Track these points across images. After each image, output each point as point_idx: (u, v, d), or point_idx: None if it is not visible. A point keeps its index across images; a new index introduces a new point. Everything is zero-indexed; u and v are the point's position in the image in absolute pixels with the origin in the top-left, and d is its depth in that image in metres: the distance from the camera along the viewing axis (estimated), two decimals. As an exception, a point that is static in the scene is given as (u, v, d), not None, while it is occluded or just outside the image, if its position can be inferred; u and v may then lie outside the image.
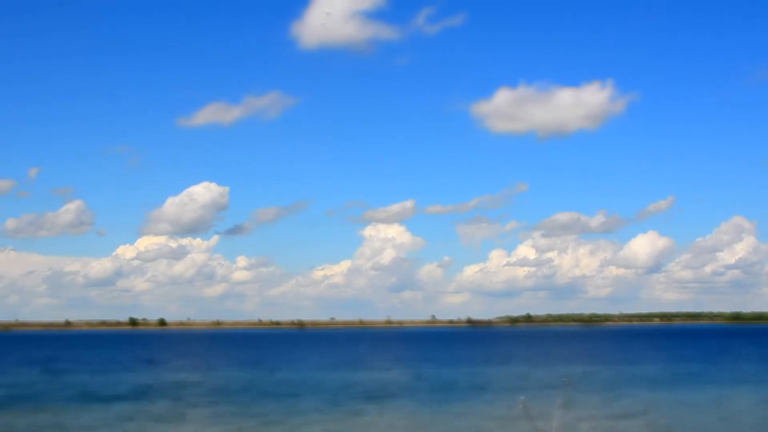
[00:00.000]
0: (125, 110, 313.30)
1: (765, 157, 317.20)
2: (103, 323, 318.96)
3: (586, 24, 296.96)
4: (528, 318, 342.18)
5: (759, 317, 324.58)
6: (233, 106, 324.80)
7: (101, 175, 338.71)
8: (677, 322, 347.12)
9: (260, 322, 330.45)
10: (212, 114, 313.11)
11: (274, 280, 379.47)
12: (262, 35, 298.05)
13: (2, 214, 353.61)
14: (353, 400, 47.49)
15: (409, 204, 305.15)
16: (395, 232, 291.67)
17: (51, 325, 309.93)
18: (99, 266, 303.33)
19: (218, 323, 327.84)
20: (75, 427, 38.88)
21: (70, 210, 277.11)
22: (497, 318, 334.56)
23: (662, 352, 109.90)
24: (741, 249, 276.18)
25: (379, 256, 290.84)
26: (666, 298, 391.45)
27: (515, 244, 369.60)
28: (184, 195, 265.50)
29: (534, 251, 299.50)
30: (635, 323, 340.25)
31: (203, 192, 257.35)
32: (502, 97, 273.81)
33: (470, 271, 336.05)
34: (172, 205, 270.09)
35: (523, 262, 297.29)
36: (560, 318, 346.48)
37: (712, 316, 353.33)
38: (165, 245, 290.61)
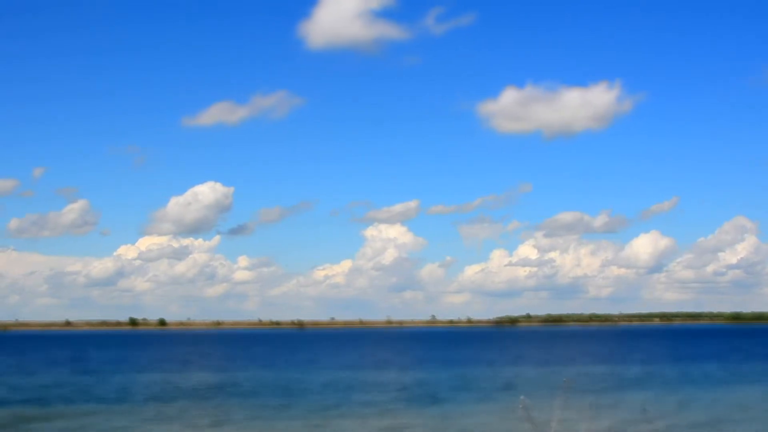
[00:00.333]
0: (131, 110, 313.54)
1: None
2: (103, 323, 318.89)
3: (594, 24, 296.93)
4: (528, 318, 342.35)
5: (759, 317, 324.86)
6: (239, 105, 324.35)
7: (106, 175, 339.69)
8: (677, 322, 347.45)
9: (260, 322, 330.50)
10: (218, 114, 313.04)
11: (275, 280, 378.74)
12: (269, 35, 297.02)
13: (6, 213, 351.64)
14: (401, 401, 47.61)
15: (413, 204, 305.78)
16: (397, 232, 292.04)
17: (50, 325, 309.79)
18: (100, 266, 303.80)
19: (218, 323, 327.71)
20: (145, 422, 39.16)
21: (73, 210, 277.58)
22: (497, 318, 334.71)
23: (665, 350, 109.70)
24: (743, 249, 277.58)
25: (380, 256, 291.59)
26: (666, 298, 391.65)
27: (517, 244, 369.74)
28: (188, 195, 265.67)
29: (536, 251, 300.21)
30: (635, 323, 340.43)
31: (208, 192, 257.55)
32: (509, 96, 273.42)
33: (471, 271, 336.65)
34: (176, 205, 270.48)
35: (525, 262, 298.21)
36: (560, 318, 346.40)
37: (712, 316, 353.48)
38: (167, 245, 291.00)
